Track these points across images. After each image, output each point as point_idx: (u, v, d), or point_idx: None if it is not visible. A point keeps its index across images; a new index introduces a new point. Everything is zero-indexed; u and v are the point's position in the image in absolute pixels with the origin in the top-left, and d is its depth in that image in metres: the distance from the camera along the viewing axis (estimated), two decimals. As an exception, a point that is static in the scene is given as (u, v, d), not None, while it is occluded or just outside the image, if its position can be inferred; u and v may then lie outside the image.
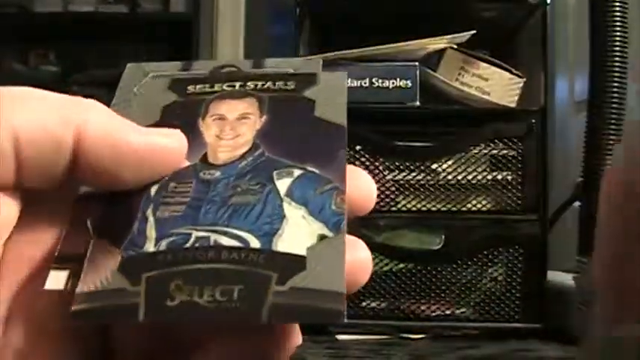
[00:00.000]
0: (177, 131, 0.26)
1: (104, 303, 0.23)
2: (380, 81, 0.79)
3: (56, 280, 0.24)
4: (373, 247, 0.80)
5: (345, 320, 0.22)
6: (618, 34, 0.75)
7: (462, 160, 0.79)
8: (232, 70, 0.30)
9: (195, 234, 0.24)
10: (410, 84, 0.79)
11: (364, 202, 0.26)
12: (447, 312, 0.79)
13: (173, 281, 0.23)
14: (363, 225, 0.78)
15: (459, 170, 0.79)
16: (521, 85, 0.85)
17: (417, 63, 0.80)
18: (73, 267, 0.24)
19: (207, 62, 0.31)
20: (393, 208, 0.79)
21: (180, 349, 0.25)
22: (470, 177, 0.79)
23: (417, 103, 0.79)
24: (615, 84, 0.75)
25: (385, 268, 0.79)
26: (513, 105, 0.85)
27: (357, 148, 0.79)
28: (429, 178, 0.79)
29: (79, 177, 0.24)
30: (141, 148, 0.24)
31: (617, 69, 0.75)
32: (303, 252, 0.23)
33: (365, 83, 0.79)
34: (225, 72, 0.30)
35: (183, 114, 0.28)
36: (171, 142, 0.25)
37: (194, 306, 0.22)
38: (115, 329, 0.26)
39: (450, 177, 0.79)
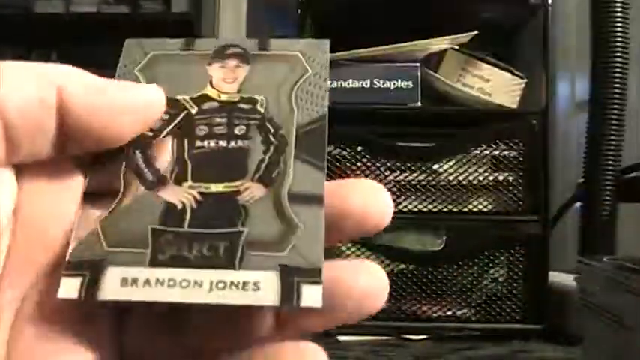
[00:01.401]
0: (157, 89, 0.26)
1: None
2: (381, 82, 0.79)
3: (69, 287, 0.24)
4: (374, 248, 0.81)
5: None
6: (619, 34, 0.75)
7: (464, 161, 0.79)
8: (237, 51, 0.29)
9: None
10: (411, 85, 0.79)
11: (380, 221, 0.26)
12: (448, 313, 0.79)
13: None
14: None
15: (460, 171, 0.79)
16: (522, 85, 0.85)
17: (418, 64, 0.80)
18: (87, 273, 0.24)
19: (209, 41, 0.30)
20: (394, 209, 0.79)
21: (195, 355, 0.25)
22: (471, 178, 0.79)
23: (419, 103, 0.79)
24: (616, 85, 0.75)
25: (386, 269, 0.78)
26: (514, 106, 0.85)
27: (359, 149, 0.79)
28: (430, 178, 0.79)
29: (68, 139, 0.24)
30: (121, 100, 0.24)
31: (618, 70, 0.75)
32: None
33: (366, 84, 0.79)
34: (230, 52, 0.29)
35: None
36: (149, 93, 0.26)
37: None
38: (130, 335, 0.25)
39: (451, 178, 0.79)
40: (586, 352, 0.55)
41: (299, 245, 0.24)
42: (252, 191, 0.25)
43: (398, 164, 0.79)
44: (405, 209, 0.79)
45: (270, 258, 0.24)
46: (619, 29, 0.75)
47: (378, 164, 0.79)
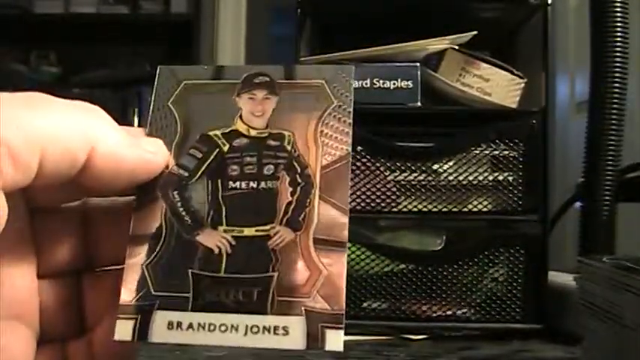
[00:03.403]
0: (160, 144, 0.29)
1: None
2: (381, 81, 0.79)
3: (124, 330, 0.26)
4: (374, 248, 0.81)
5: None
6: (619, 34, 0.75)
7: (463, 161, 0.79)
8: (265, 80, 0.31)
9: None
10: (411, 85, 0.79)
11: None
12: (448, 313, 0.78)
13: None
14: (363, 226, 0.78)
15: (460, 171, 0.79)
16: (522, 85, 0.85)
17: (418, 63, 0.80)
18: (139, 317, 0.27)
19: (238, 68, 0.31)
20: (394, 209, 0.79)
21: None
22: (471, 178, 0.79)
23: (419, 103, 0.79)
24: (616, 84, 0.75)
25: (386, 269, 0.79)
26: (514, 106, 0.85)
27: (359, 148, 0.79)
28: (430, 178, 0.79)
29: (80, 184, 0.26)
30: (135, 160, 0.27)
31: (617, 69, 0.75)
32: None
33: (366, 84, 0.79)
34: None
35: None
36: (154, 156, 0.28)
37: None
38: None
39: (451, 178, 0.79)
40: (586, 352, 0.55)
41: (323, 290, 0.26)
42: (281, 235, 0.28)
43: (397, 164, 0.79)
44: (404, 209, 0.79)
45: (297, 302, 0.26)
46: (619, 29, 0.75)
47: (377, 164, 0.79)
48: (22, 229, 0.27)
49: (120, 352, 0.28)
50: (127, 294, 0.27)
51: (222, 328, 0.26)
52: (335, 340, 0.26)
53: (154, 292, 0.27)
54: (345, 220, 0.27)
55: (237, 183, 0.29)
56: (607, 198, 0.75)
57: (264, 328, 0.26)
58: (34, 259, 0.28)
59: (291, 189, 0.28)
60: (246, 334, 0.26)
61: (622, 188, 0.76)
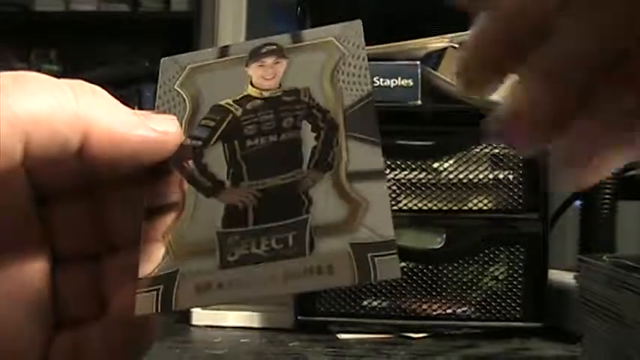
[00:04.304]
0: (173, 122, 0.27)
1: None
2: (381, 80, 0.79)
3: (145, 304, 0.25)
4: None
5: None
6: (619, 33, 0.75)
7: (464, 159, 0.79)
8: (272, 48, 0.30)
9: None
10: (411, 83, 0.79)
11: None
12: (448, 311, 0.79)
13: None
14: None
15: (460, 169, 0.79)
16: (522, 84, 0.85)
17: (418, 62, 0.80)
18: (160, 287, 0.25)
19: (243, 44, 0.30)
20: (394, 207, 0.79)
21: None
22: (471, 176, 0.79)
23: (419, 102, 0.79)
24: (616, 83, 0.75)
25: (386, 267, 0.79)
26: (514, 104, 0.84)
27: (358, 147, 0.79)
28: (430, 177, 0.79)
29: (83, 165, 0.25)
30: (138, 142, 0.26)
31: (618, 68, 0.75)
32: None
33: (366, 82, 0.79)
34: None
35: None
36: (163, 136, 0.27)
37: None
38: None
39: (451, 176, 0.79)
40: (586, 350, 0.55)
41: (367, 221, 0.25)
42: (310, 178, 0.26)
43: (398, 162, 0.79)
44: (404, 207, 0.79)
45: (340, 239, 0.24)
46: (619, 27, 0.75)
47: (378, 162, 0.79)
48: (30, 215, 0.26)
49: (136, 326, 0.26)
50: (147, 267, 0.25)
51: (257, 279, 0.24)
52: (388, 267, 0.24)
53: (176, 260, 0.25)
54: (378, 150, 0.26)
55: (256, 140, 0.28)
56: (607, 196, 0.75)
57: (306, 270, 0.24)
58: (45, 245, 0.27)
59: (314, 134, 0.27)
60: (285, 280, 0.24)
61: (622, 186, 0.76)
